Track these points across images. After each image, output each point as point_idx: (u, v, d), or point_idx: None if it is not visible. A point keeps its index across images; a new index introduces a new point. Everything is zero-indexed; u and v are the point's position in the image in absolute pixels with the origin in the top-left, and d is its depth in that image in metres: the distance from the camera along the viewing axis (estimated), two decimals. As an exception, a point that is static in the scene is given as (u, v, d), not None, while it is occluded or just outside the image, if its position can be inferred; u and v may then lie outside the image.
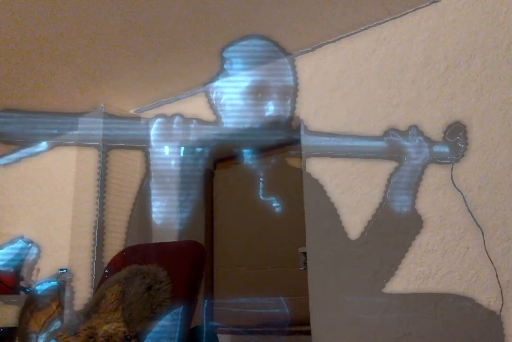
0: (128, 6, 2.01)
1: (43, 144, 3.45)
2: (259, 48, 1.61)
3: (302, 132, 2.26)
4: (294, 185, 2.37)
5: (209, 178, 2.91)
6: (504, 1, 1.85)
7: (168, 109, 2.91)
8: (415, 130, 1.59)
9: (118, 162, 2.84)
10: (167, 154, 1.53)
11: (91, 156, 2.85)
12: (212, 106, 1.64)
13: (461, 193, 1.75)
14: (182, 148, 1.55)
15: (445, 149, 1.72)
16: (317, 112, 2.27)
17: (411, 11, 2.08)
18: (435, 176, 1.85)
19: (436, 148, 1.68)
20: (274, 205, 2.02)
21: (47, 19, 2.09)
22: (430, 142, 1.63)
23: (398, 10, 2.08)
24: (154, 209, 1.51)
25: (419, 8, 2.06)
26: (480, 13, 1.90)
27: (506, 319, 1.61)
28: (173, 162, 1.52)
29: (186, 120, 1.55)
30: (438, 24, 2.00)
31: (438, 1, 2.02)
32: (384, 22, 2.15)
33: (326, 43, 2.32)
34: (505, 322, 1.61)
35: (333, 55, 2.29)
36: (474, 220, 1.72)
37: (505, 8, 1.84)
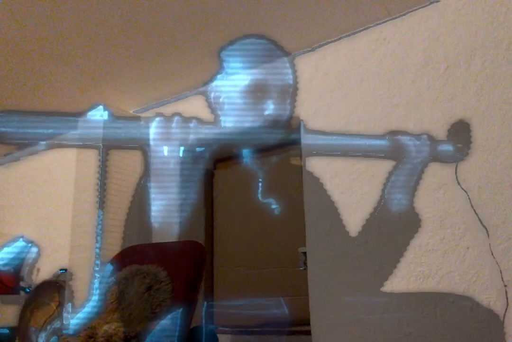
0: (128, 6, 2.01)
1: (43, 145, 3.44)
2: (257, 47, 1.60)
3: (302, 132, 2.26)
4: (294, 185, 2.37)
5: (209, 178, 2.90)
6: (504, 1, 1.85)
7: (168, 109, 2.90)
8: (426, 138, 1.59)
9: (118, 163, 2.84)
10: (165, 154, 1.52)
11: (91, 157, 2.85)
12: (211, 106, 1.63)
13: (466, 192, 1.75)
14: (182, 148, 1.54)
15: (450, 148, 1.72)
16: (317, 112, 2.27)
17: (411, 11, 2.08)
18: (435, 175, 1.85)
19: (441, 147, 1.67)
20: (273, 206, 2.01)
21: (47, 19, 2.09)
22: (434, 141, 1.62)
23: (398, 10, 2.08)
24: (152, 209, 1.50)
25: (419, 8, 2.06)
26: (480, 13, 1.90)
27: (506, 319, 1.61)
28: (172, 162, 1.51)
29: (186, 120, 1.54)
30: (438, 24, 2.00)
31: (438, 1, 2.02)
32: (384, 22, 2.15)
33: (326, 43, 2.32)
34: (505, 322, 1.61)
35: (333, 55, 2.29)
36: (479, 219, 1.71)
37: (505, 8, 1.84)
